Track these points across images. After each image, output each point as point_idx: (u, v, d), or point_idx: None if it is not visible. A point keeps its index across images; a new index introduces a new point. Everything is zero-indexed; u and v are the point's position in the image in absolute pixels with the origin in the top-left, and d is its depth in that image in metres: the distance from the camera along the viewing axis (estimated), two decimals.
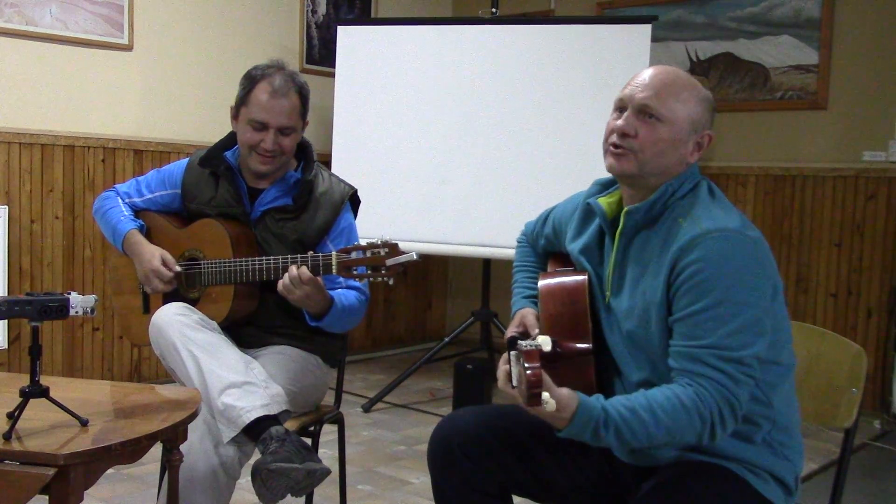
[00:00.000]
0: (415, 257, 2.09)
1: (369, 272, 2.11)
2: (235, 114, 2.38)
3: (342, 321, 2.31)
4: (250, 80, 2.35)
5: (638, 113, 1.68)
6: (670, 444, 1.60)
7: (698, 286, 1.56)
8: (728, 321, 1.55)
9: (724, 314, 1.55)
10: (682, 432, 1.54)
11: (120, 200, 2.52)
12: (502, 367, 1.61)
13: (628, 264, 1.72)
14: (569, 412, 1.50)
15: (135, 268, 2.46)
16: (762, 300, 1.58)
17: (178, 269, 2.37)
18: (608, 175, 1.77)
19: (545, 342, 1.48)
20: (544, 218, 2.04)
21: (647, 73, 1.71)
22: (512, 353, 1.50)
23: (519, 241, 2.13)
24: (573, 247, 1.87)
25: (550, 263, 2.00)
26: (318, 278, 2.17)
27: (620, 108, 1.71)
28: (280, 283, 2.16)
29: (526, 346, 1.44)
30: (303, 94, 2.37)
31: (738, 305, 1.55)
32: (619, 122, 1.69)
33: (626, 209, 1.71)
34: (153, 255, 2.37)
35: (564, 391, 1.50)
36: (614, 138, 1.69)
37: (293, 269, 2.14)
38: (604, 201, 1.79)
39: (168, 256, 2.38)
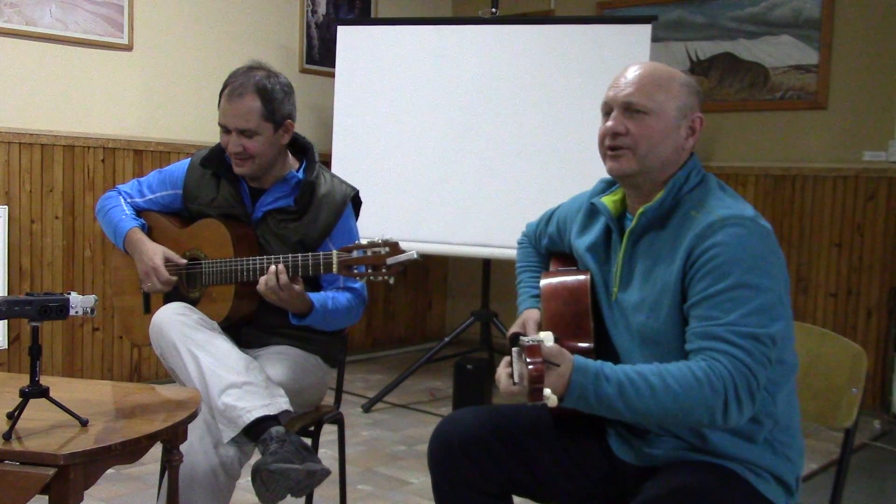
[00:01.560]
0: (415, 256, 2.09)
1: (370, 271, 2.11)
2: None
3: (328, 322, 2.32)
4: (223, 84, 2.35)
5: (624, 111, 1.70)
6: (680, 418, 1.55)
7: (715, 270, 1.58)
8: (745, 303, 1.55)
9: (742, 297, 1.56)
10: (693, 404, 1.52)
11: (122, 200, 2.52)
12: (503, 371, 1.60)
13: (638, 259, 1.73)
14: (567, 362, 1.51)
15: (136, 268, 2.46)
16: (777, 286, 1.59)
17: (182, 261, 2.37)
18: None
19: (547, 337, 1.48)
20: (548, 217, 2.05)
21: (626, 73, 1.73)
22: (514, 349, 1.50)
23: (520, 242, 2.14)
24: (579, 243, 1.87)
25: (553, 263, 2.00)
26: (296, 286, 2.18)
27: (607, 111, 1.74)
28: (258, 286, 2.19)
29: (528, 342, 1.45)
30: (264, 95, 2.28)
31: (755, 289, 1.56)
32: (609, 123, 1.71)
33: (640, 210, 1.71)
34: (154, 253, 2.37)
35: (556, 347, 1.51)
36: (608, 141, 1.72)
37: (267, 275, 2.16)
38: (608, 200, 1.81)
39: (171, 253, 2.38)
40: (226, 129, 2.31)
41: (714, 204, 1.66)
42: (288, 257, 2.19)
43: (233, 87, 2.29)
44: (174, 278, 2.37)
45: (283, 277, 2.16)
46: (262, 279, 2.18)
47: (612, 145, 1.71)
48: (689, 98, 1.71)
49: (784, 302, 1.62)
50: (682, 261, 1.63)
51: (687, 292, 1.62)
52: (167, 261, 2.37)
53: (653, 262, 1.70)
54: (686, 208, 1.68)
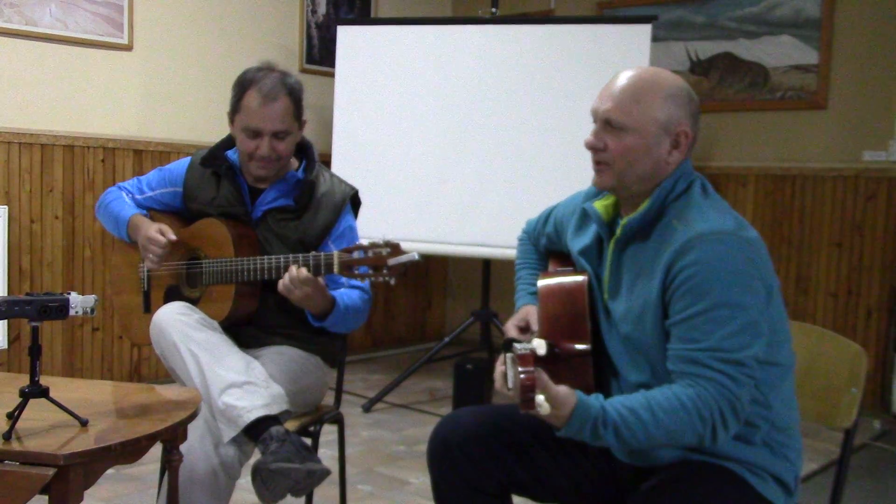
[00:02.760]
0: (416, 257, 2.08)
1: (371, 272, 2.11)
2: (231, 120, 2.37)
3: (346, 321, 2.31)
4: (240, 87, 2.32)
5: (604, 125, 1.69)
6: (671, 445, 1.60)
7: (694, 289, 1.57)
8: (726, 323, 1.55)
9: (722, 317, 1.55)
10: (683, 433, 1.54)
11: (123, 194, 2.53)
12: (499, 368, 1.61)
13: (624, 269, 1.73)
14: (567, 409, 1.51)
15: (135, 267, 2.46)
16: (758, 301, 1.58)
17: (172, 237, 2.35)
18: None
19: (539, 346, 1.48)
20: (546, 217, 2.04)
21: (613, 82, 1.70)
22: (507, 355, 1.50)
23: (520, 239, 2.14)
24: (573, 245, 1.87)
25: (551, 262, 2.00)
26: (319, 279, 2.16)
27: (594, 120, 1.73)
28: (280, 283, 2.16)
29: (521, 350, 1.44)
30: (294, 95, 2.32)
31: (734, 308, 1.55)
32: (589, 138, 1.71)
33: (623, 221, 1.71)
34: (150, 226, 2.37)
35: (563, 389, 1.51)
36: (592, 154, 1.72)
37: (293, 269, 2.14)
38: (599, 205, 1.80)
39: (166, 228, 2.37)
40: (256, 133, 2.29)
41: (694, 216, 1.63)
42: (289, 257, 2.19)
43: (265, 91, 2.27)
44: (172, 237, 2.34)
45: (304, 272, 2.13)
46: (282, 281, 2.14)
47: (594, 159, 1.72)
48: (674, 110, 1.66)
49: (767, 314, 1.60)
50: (661, 276, 1.62)
51: (667, 309, 1.62)
52: (161, 232, 2.35)
53: (637, 273, 1.69)
54: (669, 217, 1.67)
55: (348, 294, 2.33)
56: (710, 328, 1.55)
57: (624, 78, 1.69)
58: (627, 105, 1.65)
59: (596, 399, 1.55)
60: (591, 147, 1.70)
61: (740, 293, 1.56)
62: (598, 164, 1.71)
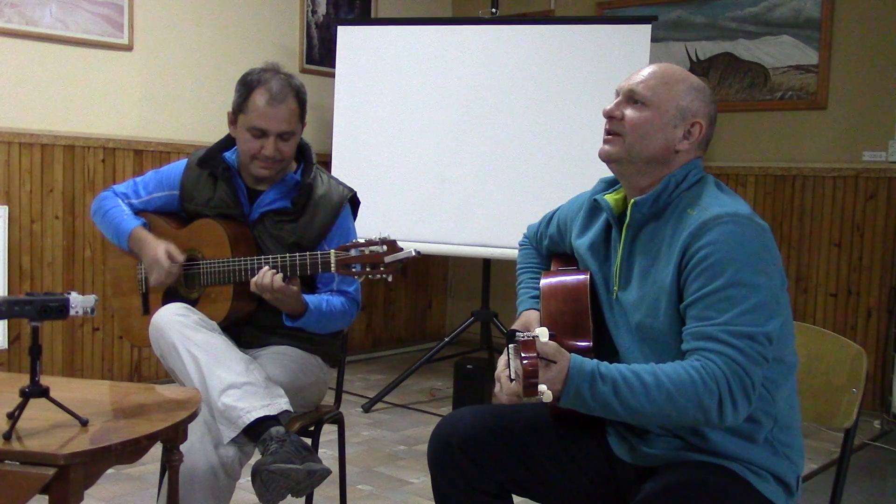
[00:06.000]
0: (413, 254, 2.08)
1: (368, 270, 2.11)
2: (233, 119, 2.37)
3: (321, 325, 2.33)
4: (247, 86, 2.32)
5: (627, 98, 1.74)
6: (674, 417, 1.55)
7: (710, 268, 1.58)
8: (740, 302, 1.55)
9: (736, 295, 1.56)
10: (687, 403, 1.52)
11: (119, 201, 2.52)
12: (503, 372, 1.60)
13: (636, 257, 1.74)
14: (562, 364, 1.51)
15: (133, 269, 2.45)
16: (773, 284, 1.59)
17: (181, 258, 2.36)
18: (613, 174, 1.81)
19: (543, 333, 1.49)
20: (548, 219, 2.05)
21: (644, 67, 1.77)
22: (510, 346, 1.51)
23: (521, 244, 2.14)
24: (579, 243, 1.88)
25: (554, 264, 2.00)
26: (293, 286, 2.19)
27: (616, 96, 1.77)
28: (252, 283, 2.19)
29: (523, 337, 1.45)
30: (300, 98, 2.35)
31: (749, 287, 1.56)
32: (609, 105, 1.75)
33: (632, 201, 1.72)
34: (157, 247, 2.36)
35: (552, 344, 1.52)
36: (606, 125, 1.75)
37: (266, 275, 2.16)
38: (610, 198, 1.82)
39: (173, 248, 2.36)
40: (262, 134, 2.30)
41: (709, 202, 1.66)
42: (286, 257, 2.19)
43: (274, 92, 2.28)
44: (178, 262, 2.35)
45: (278, 281, 2.16)
46: (254, 279, 2.19)
47: (607, 129, 1.74)
48: (695, 102, 1.71)
49: (780, 299, 1.62)
50: (677, 259, 1.63)
51: (683, 291, 1.62)
52: (169, 255, 2.36)
53: (651, 260, 1.70)
54: (683, 206, 1.69)
55: (328, 299, 2.34)
56: (724, 306, 1.55)
57: (657, 65, 1.76)
58: (654, 83, 1.71)
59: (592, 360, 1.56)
60: (609, 114, 1.73)
61: (755, 274, 1.57)
62: (609, 134, 1.73)
